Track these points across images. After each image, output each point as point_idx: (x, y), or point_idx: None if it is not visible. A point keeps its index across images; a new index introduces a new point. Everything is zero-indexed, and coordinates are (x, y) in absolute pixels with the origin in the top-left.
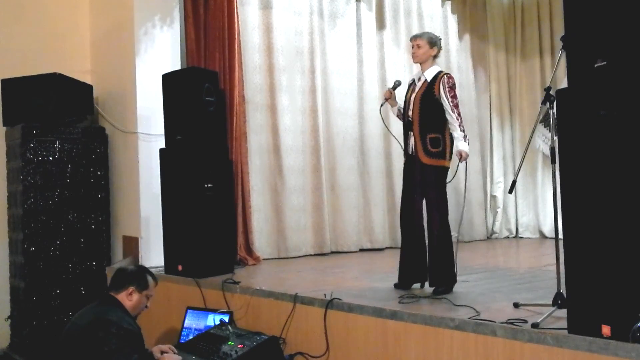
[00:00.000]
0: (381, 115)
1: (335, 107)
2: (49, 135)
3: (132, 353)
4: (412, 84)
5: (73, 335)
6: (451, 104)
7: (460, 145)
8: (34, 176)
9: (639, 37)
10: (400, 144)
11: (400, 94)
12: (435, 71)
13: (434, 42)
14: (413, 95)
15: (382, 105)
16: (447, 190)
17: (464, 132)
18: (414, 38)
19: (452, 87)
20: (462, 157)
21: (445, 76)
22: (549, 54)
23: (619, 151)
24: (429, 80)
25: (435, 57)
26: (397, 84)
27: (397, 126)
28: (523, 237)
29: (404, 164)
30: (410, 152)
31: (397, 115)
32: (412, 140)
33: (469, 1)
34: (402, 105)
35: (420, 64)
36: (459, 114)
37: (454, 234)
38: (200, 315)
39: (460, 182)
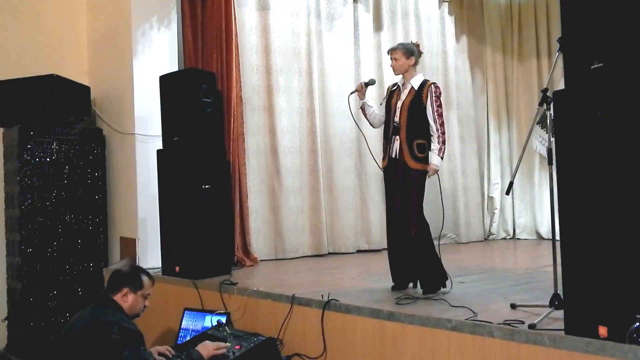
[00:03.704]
0: (348, 101)
1: (333, 108)
2: (46, 136)
3: (138, 346)
4: (396, 90)
5: (72, 336)
6: (435, 114)
7: (433, 159)
8: (31, 177)
9: (636, 38)
10: (361, 130)
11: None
12: (421, 79)
13: (410, 52)
14: (399, 102)
15: (351, 93)
16: (445, 193)
17: (441, 144)
18: (390, 51)
19: (439, 97)
20: (431, 171)
21: (432, 86)
22: (546, 56)
23: (615, 152)
24: (416, 88)
25: (415, 65)
26: (372, 82)
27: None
28: (520, 238)
29: (385, 167)
30: (394, 156)
31: (361, 108)
32: (396, 145)
33: (466, 3)
34: (371, 106)
35: (403, 74)
36: (441, 124)
37: (451, 235)
38: (198, 316)
39: (458, 184)
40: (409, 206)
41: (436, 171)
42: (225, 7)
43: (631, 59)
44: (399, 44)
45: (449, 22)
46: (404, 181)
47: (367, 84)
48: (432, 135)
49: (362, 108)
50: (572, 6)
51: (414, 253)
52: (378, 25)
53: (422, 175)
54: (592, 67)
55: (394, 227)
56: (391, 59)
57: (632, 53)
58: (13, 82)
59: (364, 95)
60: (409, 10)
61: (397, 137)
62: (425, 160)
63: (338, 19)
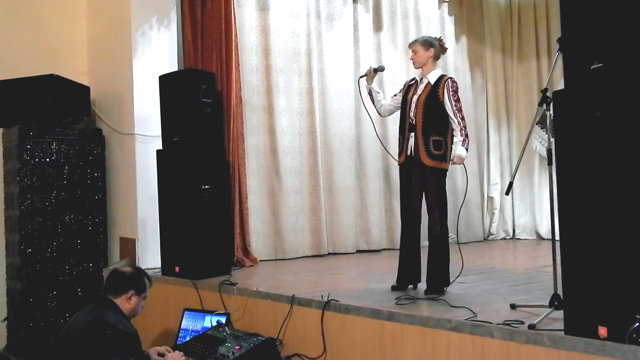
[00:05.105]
0: (359, 85)
1: (332, 108)
2: (45, 136)
3: (128, 355)
4: (414, 84)
5: (71, 337)
6: (454, 108)
7: (457, 150)
8: (31, 177)
9: (636, 38)
10: (372, 123)
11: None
12: (438, 74)
13: (429, 44)
14: (415, 97)
15: (361, 77)
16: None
17: (465, 137)
18: (410, 45)
19: (456, 91)
20: (454, 161)
21: (449, 80)
22: (546, 56)
23: (615, 152)
24: (432, 83)
25: (435, 58)
26: (381, 69)
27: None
28: (520, 238)
29: (401, 164)
30: (409, 153)
31: (369, 93)
32: (412, 141)
33: (465, 3)
34: (378, 92)
35: (422, 68)
36: (462, 118)
37: (451, 235)
38: (197, 316)
39: (458, 184)
40: (432, 208)
41: (462, 160)
42: (225, 7)
43: (631, 59)
44: (420, 36)
45: (449, 23)
46: (422, 181)
47: (376, 70)
48: (454, 129)
49: (370, 93)
50: (571, 6)
51: (433, 253)
52: (378, 26)
53: (440, 173)
54: (592, 67)
55: (411, 228)
56: (411, 52)
57: (632, 53)
58: (12, 82)
59: (372, 80)
60: (409, 10)
61: (413, 133)
62: (441, 158)
63: (338, 20)
